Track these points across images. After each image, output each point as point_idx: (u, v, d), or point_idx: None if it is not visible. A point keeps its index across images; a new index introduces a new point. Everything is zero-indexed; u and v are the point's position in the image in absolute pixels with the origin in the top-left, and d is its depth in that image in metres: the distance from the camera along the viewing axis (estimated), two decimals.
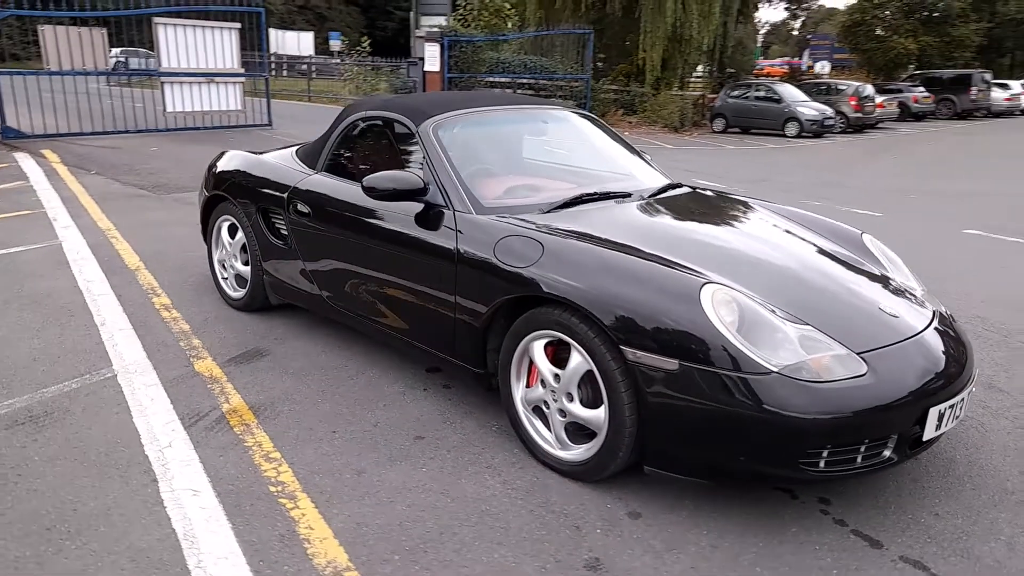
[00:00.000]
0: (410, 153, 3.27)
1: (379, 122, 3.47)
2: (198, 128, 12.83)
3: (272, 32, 39.72)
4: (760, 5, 28.09)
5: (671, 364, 2.17)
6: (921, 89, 25.36)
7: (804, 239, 3.01)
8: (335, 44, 44.80)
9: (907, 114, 24.26)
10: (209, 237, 4.27)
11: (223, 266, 4.22)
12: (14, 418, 2.88)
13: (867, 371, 2.18)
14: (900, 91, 24.82)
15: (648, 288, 2.29)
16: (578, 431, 2.54)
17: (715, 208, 3.35)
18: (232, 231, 4.09)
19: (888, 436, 2.20)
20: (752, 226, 3.09)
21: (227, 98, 13.11)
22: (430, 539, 2.22)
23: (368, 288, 3.21)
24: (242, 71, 13.57)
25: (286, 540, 2.19)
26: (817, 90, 21.18)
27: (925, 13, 36.14)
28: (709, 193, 3.54)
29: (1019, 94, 27.84)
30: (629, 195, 3.18)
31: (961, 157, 15.27)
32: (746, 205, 3.37)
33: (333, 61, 30.12)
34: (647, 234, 2.76)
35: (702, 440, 2.20)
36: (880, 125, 22.13)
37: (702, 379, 2.13)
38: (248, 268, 3.98)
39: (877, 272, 2.85)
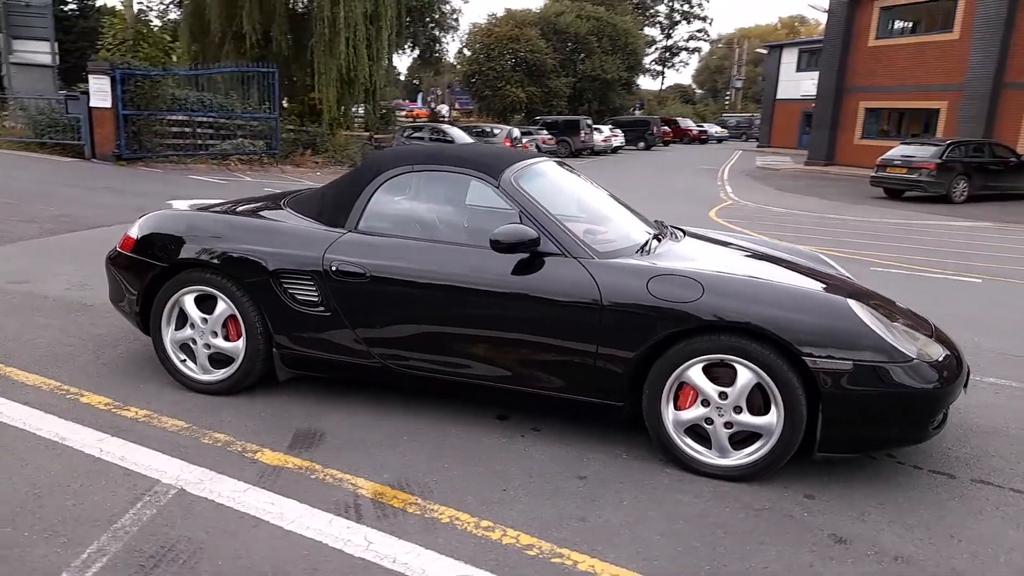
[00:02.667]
0: (482, 204, 3.32)
1: (431, 176, 3.41)
2: None
3: None
4: (395, 53, 29.85)
5: (847, 364, 2.75)
6: (545, 132, 29.65)
7: (799, 259, 3.84)
8: None
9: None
10: (157, 316, 3.57)
11: (186, 347, 3.58)
12: (131, 563, 2.25)
13: (944, 350, 3.04)
14: (531, 133, 28.69)
15: (807, 307, 2.85)
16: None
17: (727, 241, 3.99)
18: (204, 304, 3.51)
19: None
20: (762, 252, 3.83)
21: None
22: (715, 556, 2.45)
23: (470, 345, 3.16)
24: None
25: None
26: (475, 132, 23.49)
27: (525, 67, 42.21)
28: (694, 229, 4.18)
29: (610, 136, 34.20)
30: (663, 234, 3.67)
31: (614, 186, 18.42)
32: (723, 238, 4.10)
33: None
34: (741, 265, 3.31)
35: (871, 421, 2.82)
36: None
37: (871, 372, 2.76)
38: (236, 344, 3.47)
39: (858, 281, 3.80)
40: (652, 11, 64.31)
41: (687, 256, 3.36)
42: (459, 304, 3.15)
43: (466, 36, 42.36)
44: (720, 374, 2.92)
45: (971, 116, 22.03)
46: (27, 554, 2.28)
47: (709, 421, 2.95)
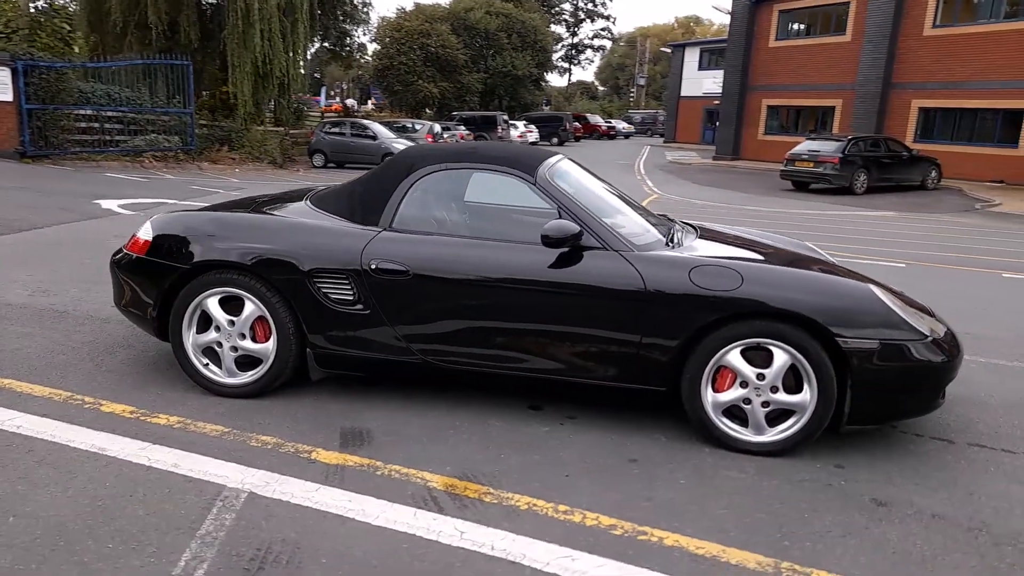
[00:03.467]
0: (513, 202, 3.42)
1: (465, 174, 3.45)
2: None
3: None
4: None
5: (873, 343, 3.02)
6: (463, 128, 29.64)
7: (799, 249, 4.11)
8: None
9: None
10: (178, 320, 3.45)
11: (209, 351, 3.48)
12: (234, 567, 2.22)
13: (944, 327, 3.37)
14: (449, 129, 28.61)
15: (836, 292, 3.10)
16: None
17: (735, 234, 4.20)
18: (228, 306, 3.42)
19: None
20: (769, 243, 4.07)
21: None
22: (781, 525, 2.65)
23: (513, 338, 3.24)
24: None
25: (704, 566, 2.40)
26: (395, 128, 23.22)
27: (437, 62, 41.99)
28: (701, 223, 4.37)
29: (525, 132, 34.57)
30: (677, 228, 3.85)
31: None
32: (728, 230, 4.31)
33: None
34: (758, 255, 3.52)
35: (893, 394, 3.10)
36: None
37: (895, 349, 3.03)
38: (265, 345, 3.41)
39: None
40: (557, 9, 65.29)
41: (709, 248, 3.55)
42: (504, 299, 3.23)
43: (374, 30, 41.66)
44: (753, 357, 3.12)
45: (863, 113, 23.68)
46: (122, 566, 2.21)
47: (747, 401, 3.15)
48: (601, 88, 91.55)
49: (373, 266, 3.28)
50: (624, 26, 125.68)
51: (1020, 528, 2.69)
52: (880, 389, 3.08)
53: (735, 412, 3.21)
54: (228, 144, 19.39)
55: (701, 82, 41.53)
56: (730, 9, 28.54)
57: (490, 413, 3.47)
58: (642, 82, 64.64)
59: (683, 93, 42.91)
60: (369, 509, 2.60)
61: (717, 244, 3.70)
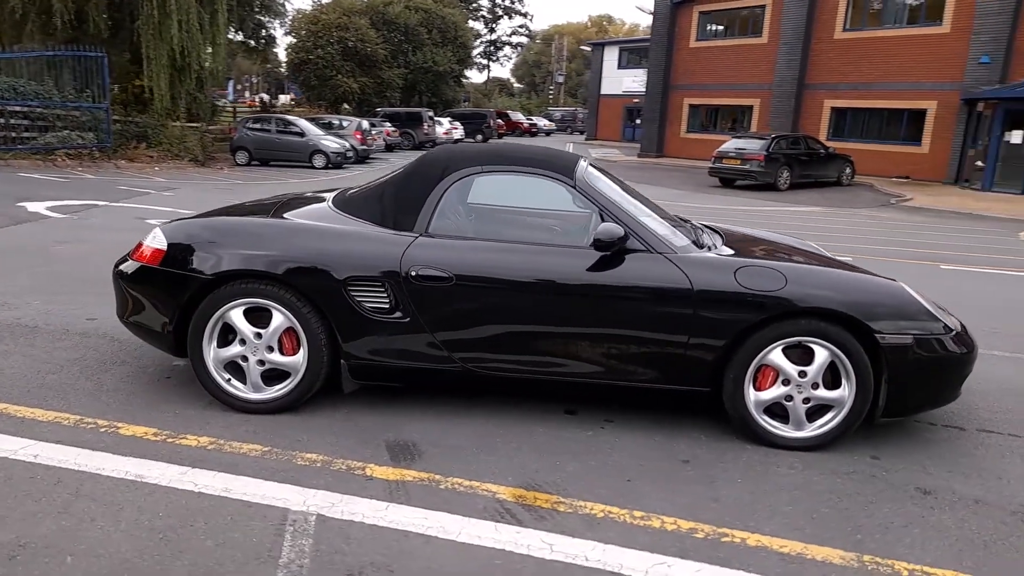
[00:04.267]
0: (554, 205, 3.36)
1: (500, 177, 3.37)
2: None
3: None
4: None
5: (908, 338, 3.14)
6: (388, 124, 29.15)
7: (814, 248, 4.22)
8: None
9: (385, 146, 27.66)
10: (198, 334, 3.23)
11: (233, 366, 3.28)
12: None
13: (959, 321, 3.54)
14: (375, 125, 28.07)
15: (871, 290, 3.21)
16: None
17: (757, 236, 4.27)
18: (256, 318, 3.23)
19: None
20: (790, 244, 4.17)
21: None
22: (846, 518, 2.72)
23: (556, 343, 3.19)
24: None
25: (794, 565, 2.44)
26: (322, 124, 22.59)
27: (356, 57, 41.18)
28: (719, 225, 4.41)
29: (451, 128, 34.34)
30: (702, 230, 3.90)
31: None
32: (746, 231, 4.38)
33: None
34: (787, 256, 3.60)
35: (924, 385, 3.24)
36: (372, 156, 24.82)
37: (928, 344, 3.17)
38: (294, 358, 3.24)
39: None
40: (475, 5, 65.11)
41: (742, 250, 3.60)
42: (548, 303, 3.18)
43: (290, 23, 40.37)
44: (791, 354, 3.20)
45: (779, 113, 24.71)
46: None
47: (788, 398, 3.22)
48: (517, 85, 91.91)
49: (413, 273, 3.17)
50: (539, 23, 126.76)
51: None
52: (914, 381, 3.21)
53: (773, 409, 3.28)
54: (145, 141, 18.40)
55: (621, 80, 42.31)
56: (652, 9, 29.18)
57: (530, 419, 3.42)
58: (561, 79, 65.37)
59: (603, 91, 43.59)
60: (449, 526, 2.51)
61: (747, 246, 3.77)
